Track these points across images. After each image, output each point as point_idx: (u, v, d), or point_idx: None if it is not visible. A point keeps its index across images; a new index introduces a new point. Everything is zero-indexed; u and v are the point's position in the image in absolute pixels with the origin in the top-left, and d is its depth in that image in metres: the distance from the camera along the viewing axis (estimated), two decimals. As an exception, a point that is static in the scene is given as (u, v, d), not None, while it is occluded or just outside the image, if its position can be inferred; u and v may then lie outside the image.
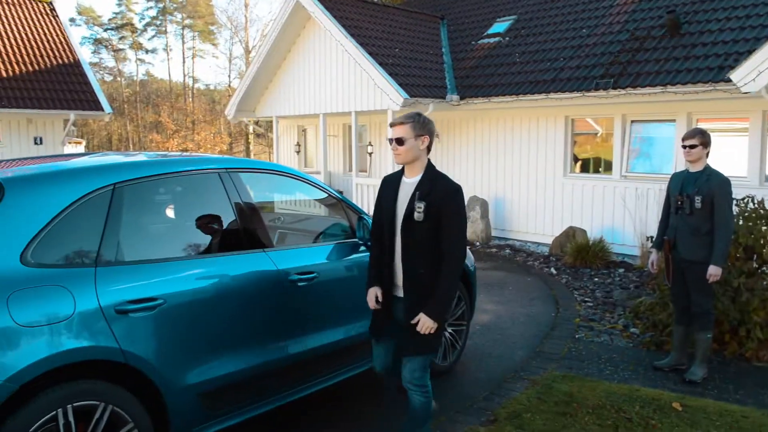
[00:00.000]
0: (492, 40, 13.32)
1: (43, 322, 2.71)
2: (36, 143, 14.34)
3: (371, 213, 3.97)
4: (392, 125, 3.45)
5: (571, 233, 10.28)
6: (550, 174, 11.21)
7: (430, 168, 3.45)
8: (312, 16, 13.20)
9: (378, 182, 12.58)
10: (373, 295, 3.56)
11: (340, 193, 14.42)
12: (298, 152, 16.76)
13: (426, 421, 3.55)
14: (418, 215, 3.30)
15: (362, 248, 4.44)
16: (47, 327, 2.72)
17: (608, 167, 10.57)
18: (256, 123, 18.10)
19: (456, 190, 3.36)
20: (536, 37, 12.39)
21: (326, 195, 4.60)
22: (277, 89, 15.21)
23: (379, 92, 12.00)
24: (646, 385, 4.93)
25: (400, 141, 3.40)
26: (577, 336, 6.19)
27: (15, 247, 2.77)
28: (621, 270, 9.18)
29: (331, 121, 15.47)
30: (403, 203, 3.41)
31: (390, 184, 3.57)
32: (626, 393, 4.69)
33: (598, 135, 10.88)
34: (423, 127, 3.42)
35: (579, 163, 11.09)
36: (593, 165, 10.95)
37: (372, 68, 11.83)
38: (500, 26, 13.64)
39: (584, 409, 4.39)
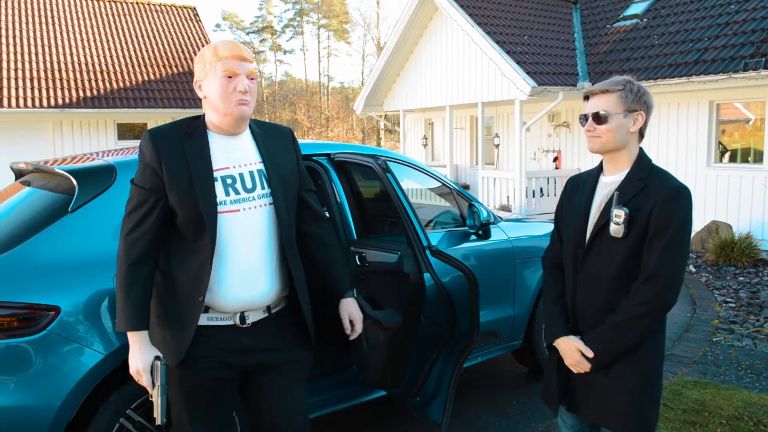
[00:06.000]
0: (628, 22, 12.55)
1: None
2: (179, 140, 15.34)
3: (488, 206, 3.66)
4: (590, 95, 2.34)
5: (714, 228, 9.44)
6: (692, 164, 10.34)
7: (642, 160, 2.31)
8: (439, 7, 13.09)
9: (505, 175, 12.25)
10: (575, 348, 2.34)
11: (467, 188, 14.14)
12: (425, 146, 16.72)
13: None
14: (615, 228, 2.21)
15: (473, 237, 4.27)
16: None
17: (758, 157, 9.60)
18: (384, 117, 18.27)
19: (679, 191, 2.19)
20: (678, 16, 11.50)
21: (439, 183, 4.44)
22: (404, 83, 15.24)
23: (506, 82, 11.66)
24: (794, 396, 4.38)
25: (599, 118, 2.27)
26: (714, 339, 5.63)
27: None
28: (772, 269, 8.31)
29: (458, 114, 15.29)
30: (599, 212, 2.34)
31: (581, 186, 2.47)
32: (769, 404, 4.18)
33: (750, 122, 9.90)
34: (637, 98, 2.27)
35: (728, 154, 10.15)
36: (741, 155, 9.99)
37: (499, 57, 11.53)
38: (638, 7, 12.83)
39: (717, 419, 3.95)
